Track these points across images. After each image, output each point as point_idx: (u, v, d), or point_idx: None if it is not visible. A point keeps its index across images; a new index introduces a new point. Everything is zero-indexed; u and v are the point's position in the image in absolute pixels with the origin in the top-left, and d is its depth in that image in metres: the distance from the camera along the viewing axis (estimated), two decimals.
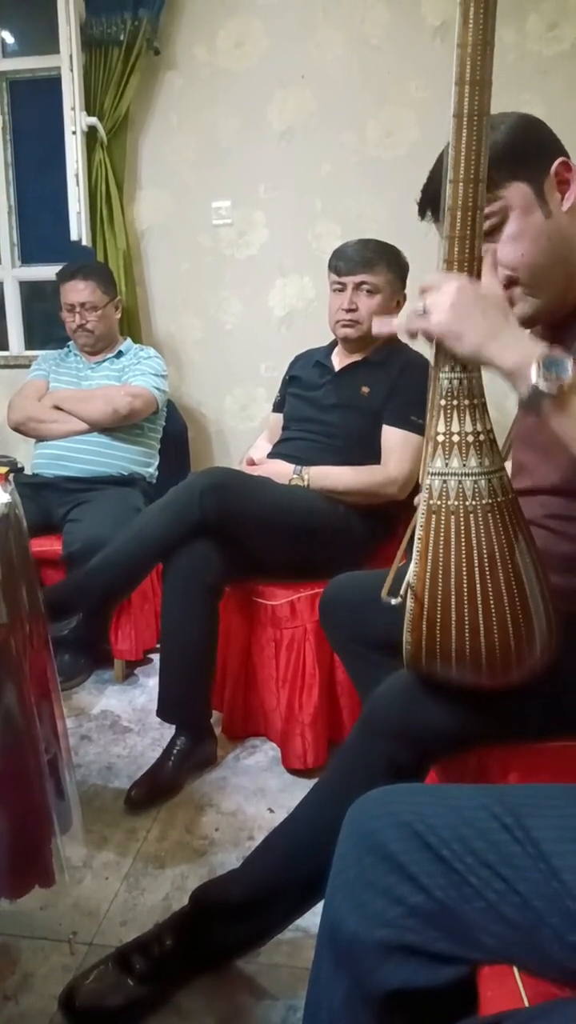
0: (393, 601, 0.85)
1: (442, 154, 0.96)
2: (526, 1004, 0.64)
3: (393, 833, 0.71)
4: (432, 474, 0.84)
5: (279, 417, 2.05)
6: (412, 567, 0.87)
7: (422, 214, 1.00)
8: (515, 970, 0.67)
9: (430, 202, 0.98)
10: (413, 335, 0.82)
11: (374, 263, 1.81)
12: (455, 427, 0.82)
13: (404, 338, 0.85)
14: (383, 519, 1.81)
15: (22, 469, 2.45)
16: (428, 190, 0.98)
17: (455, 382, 0.82)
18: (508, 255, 0.92)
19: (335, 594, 1.37)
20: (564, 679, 0.90)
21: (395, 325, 0.83)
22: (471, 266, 0.80)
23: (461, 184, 0.78)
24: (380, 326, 0.85)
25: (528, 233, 0.91)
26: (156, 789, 1.59)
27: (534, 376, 0.73)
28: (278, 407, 2.09)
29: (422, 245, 1.05)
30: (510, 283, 0.94)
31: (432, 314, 0.79)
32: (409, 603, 0.88)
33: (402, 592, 0.86)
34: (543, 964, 0.66)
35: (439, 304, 0.78)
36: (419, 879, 0.68)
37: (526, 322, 0.99)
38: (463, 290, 0.78)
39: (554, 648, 0.87)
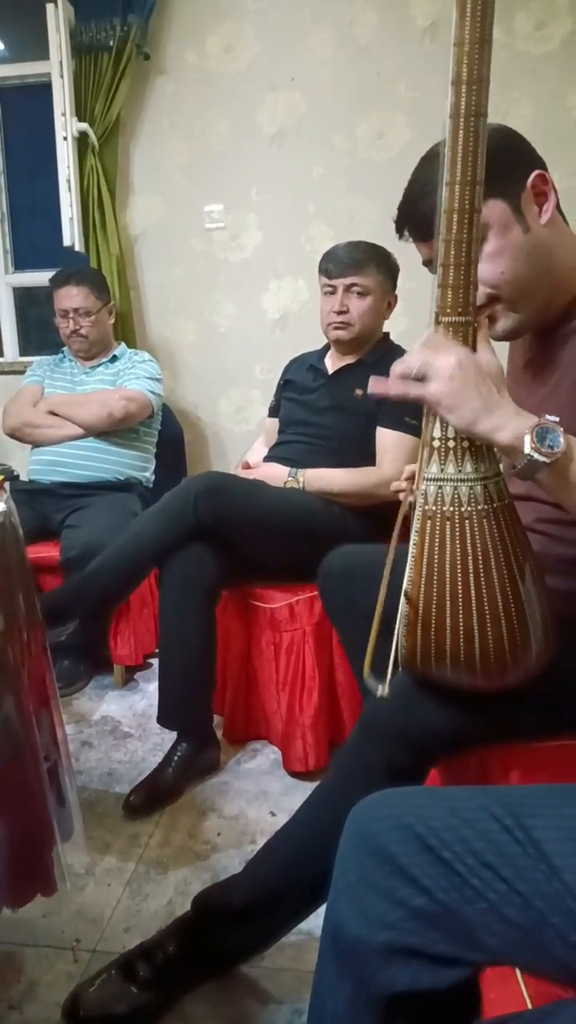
0: (379, 692, 0.80)
1: (417, 170, 0.96)
2: (529, 1005, 0.64)
3: (394, 836, 0.71)
4: (428, 479, 0.84)
5: (275, 422, 2.05)
6: (408, 572, 0.87)
7: (400, 232, 0.99)
8: (517, 971, 0.67)
9: (407, 220, 0.98)
10: (408, 398, 0.81)
11: (364, 265, 1.81)
12: (451, 432, 0.82)
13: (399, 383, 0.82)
14: (379, 520, 1.81)
15: (18, 476, 2.45)
16: (405, 208, 0.97)
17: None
18: (488, 274, 0.92)
19: (335, 563, 1.39)
20: (561, 680, 0.91)
21: (392, 388, 0.81)
22: (467, 270, 0.78)
23: (458, 186, 0.76)
24: (375, 387, 0.84)
25: (507, 251, 0.91)
26: (156, 795, 1.59)
27: (527, 448, 0.73)
28: (273, 412, 2.09)
29: (414, 247, 1.05)
30: (491, 300, 0.94)
31: (430, 384, 0.77)
32: (404, 607, 0.87)
33: (389, 677, 0.81)
34: (545, 964, 0.66)
35: (438, 374, 0.77)
36: (421, 881, 0.68)
37: (509, 335, 0.99)
38: (464, 365, 0.76)
39: (550, 650, 0.87)
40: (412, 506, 0.89)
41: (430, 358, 0.78)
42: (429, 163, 0.93)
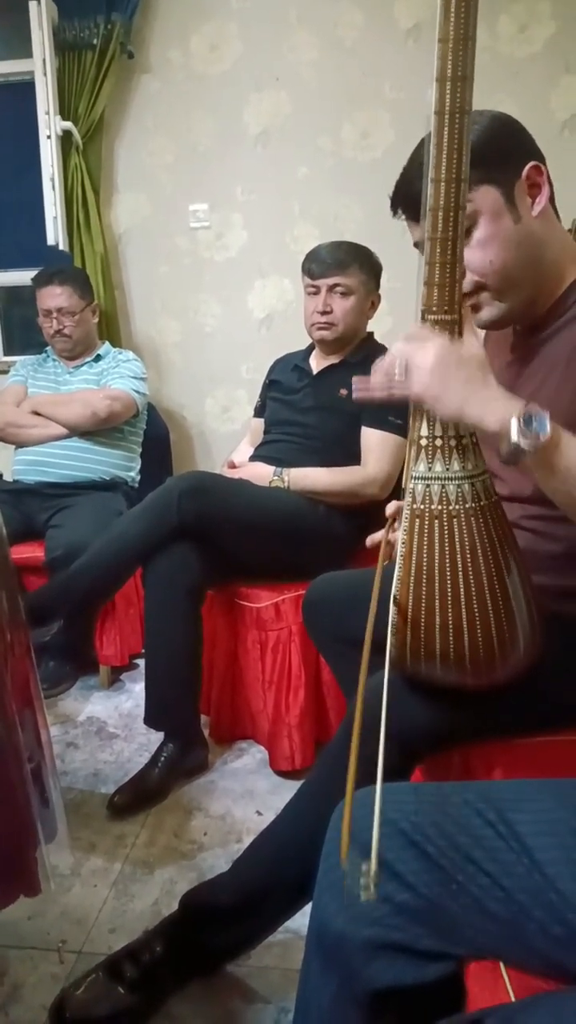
0: (363, 896, 0.54)
1: (416, 151, 0.95)
2: (512, 998, 0.64)
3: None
4: (415, 478, 0.84)
5: (260, 421, 2.05)
6: (396, 571, 0.87)
7: (394, 211, 0.99)
8: (501, 965, 0.67)
9: (403, 199, 0.97)
10: (393, 398, 0.81)
11: (347, 265, 1.81)
12: (438, 430, 0.82)
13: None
14: (364, 519, 1.82)
15: (1, 476, 2.43)
16: (401, 187, 0.97)
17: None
18: (477, 261, 0.92)
19: (317, 595, 1.37)
20: (547, 677, 0.91)
21: (375, 387, 0.81)
22: (453, 268, 0.78)
23: (443, 183, 0.76)
24: (359, 389, 0.84)
25: (497, 239, 0.91)
26: (141, 796, 1.59)
27: (514, 434, 0.73)
28: (259, 411, 2.09)
29: (399, 246, 1.06)
30: (478, 288, 0.95)
31: (412, 377, 0.78)
32: (393, 613, 0.88)
33: (373, 869, 0.55)
34: (529, 958, 0.66)
35: (419, 367, 0.77)
36: (405, 877, 0.69)
37: (493, 325, 0.99)
38: (443, 354, 0.77)
39: (537, 647, 0.88)
40: (393, 546, 0.88)
41: (410, 353, 0.78)
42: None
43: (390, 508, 1.04)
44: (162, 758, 1.64)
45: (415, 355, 0.78)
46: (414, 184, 0.93)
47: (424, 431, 0.83)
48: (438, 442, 0.82)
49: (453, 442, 0.82)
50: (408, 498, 0.85)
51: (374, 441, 1.79)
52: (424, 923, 0.68)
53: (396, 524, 0.90)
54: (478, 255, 0.92)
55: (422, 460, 0.83)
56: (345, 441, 1.82)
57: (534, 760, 1.00)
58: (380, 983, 0.68)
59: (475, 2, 0.72)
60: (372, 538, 1.02)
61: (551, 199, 0.95)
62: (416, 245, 0.99)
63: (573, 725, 1.00)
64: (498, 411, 0.75)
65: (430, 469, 0.83)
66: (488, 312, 0.96)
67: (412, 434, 0.85)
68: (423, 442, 0.83)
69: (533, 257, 0.93)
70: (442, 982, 0.68)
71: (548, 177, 0.94)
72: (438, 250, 0.77)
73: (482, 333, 1.09)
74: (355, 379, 0.85)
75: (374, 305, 1.90)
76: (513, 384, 1.04)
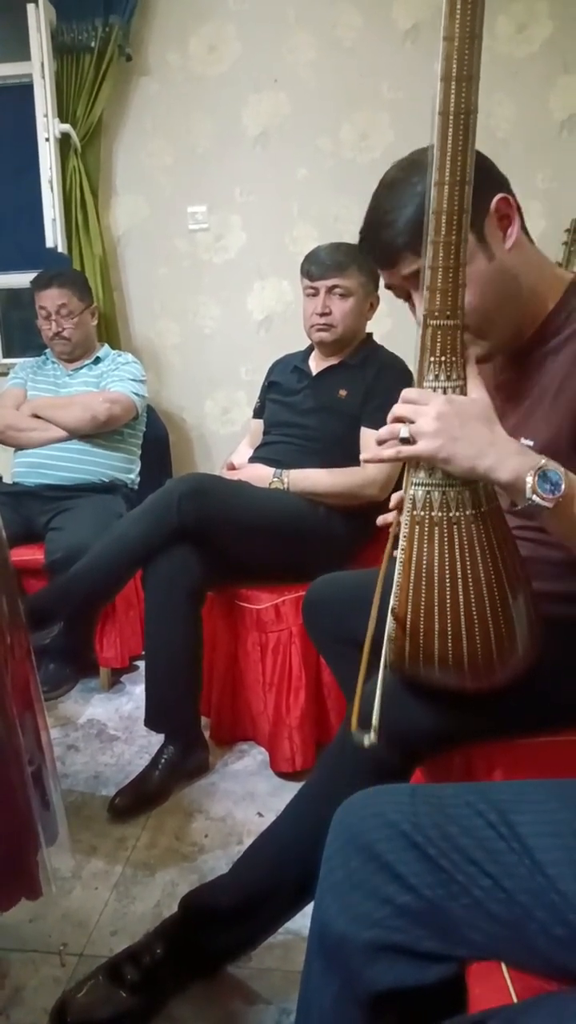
0: (365, 740, 0.74)
1: (377, 200, 0.93)
2: (514, 999, 0.64)
3: (380, 833, 0.71)
4: (415, 484, 0.83)
5: (260, 423, 2.06)
6: (396, 578, 0.87)
7: (363, 255, 0.96)
8: (503, 966, 0.67)
9: (369, 248, 0.95)
10: (400, 459, 0.81)
11: (345, 266, 1.81)
12: None
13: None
14: (364, 520, 1.81)
15: (1, 478, 2.44)
16: (368, 236, 0.94)
17: (439, 391, 0.81)
18: None
19: (317, 596, 1.37)
20: (548, 678, 0.91)
21: (384, 454, 0.80)
22: (456, 272, 0.77)
23: (447, 187, 0.74)
24: (368, 456, 0.83)
25: (473, 281, 0.86)
26: (141, 798, 1.59)
27: (529, 491, 0.73)
28: (258, 413, 2.09)
29: None
30: None
31: (418, 441, 0.77)
32: (391, 624, 0.87)
33: (374, 724, 0.75)
34: (530, 959, 0.66)
35: (423, 431, 0.76)
36: (406, 879, 0.69)
37: (480, 361, 0.98)
38: (445, 416, 0.76)
39: (536, 651, 0.88)
40: (397, 538, 0.88)
41: (411, 417, 0.78)
42: (390, 190, 0.91)
43: (395, 499, 1.03)
44: (163, 760, 1.64)
45: (416, 419, 0.77)
46: (380, 234, 0.92)
47: None
48: None
49: None
50: (408, 504, 0.85)
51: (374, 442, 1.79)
52: (426, 924, 0.68)
53: (401, 513, 0.89)
54: None
55: (422, 466, 0.83)
56: (345, 442, 1.81)
57: (535, 761, 1.00)
58: (381, 985, 0.68)
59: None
60: (383, 518, 1.01)
61: (523, 226, 0.92)
62: (388, 287, 0.98)
63: (574, 725, 0.99)
64: (512, 467, 0.75)
65: (430, 475, 0.82)
66: (472, 351, 0.94)
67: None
68: None
69: (511, 291, 0.91)
70: (444, 983, 0.68)
71: (517, 205, 0.91)
72: (441, 254, 0.76)
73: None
74: (363, 457, 0.84)
75: (373, 306, 1.90)
76: (501, 410, 1.03)
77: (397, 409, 0.80)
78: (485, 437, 0.76)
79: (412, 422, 0.79)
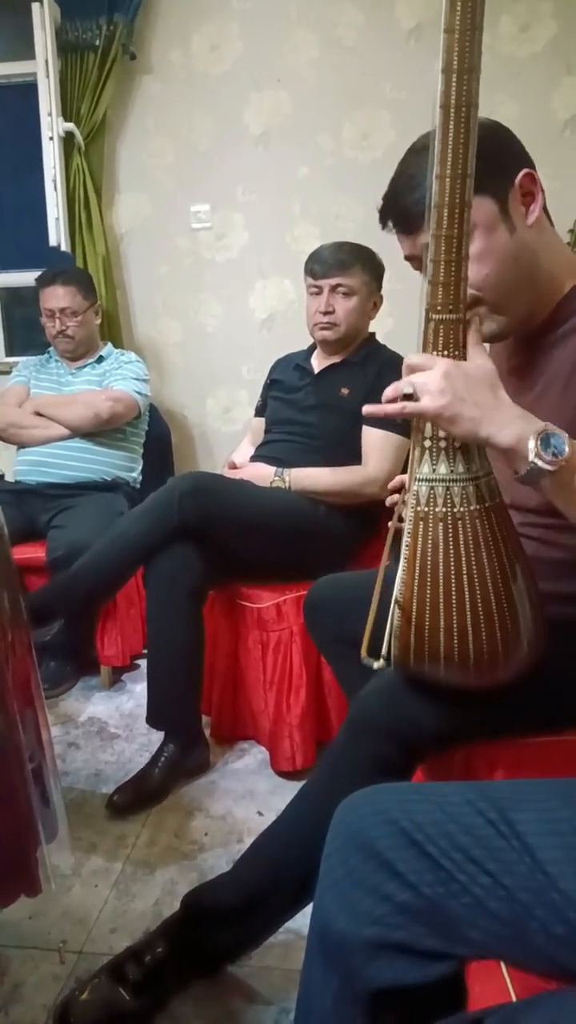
0: (375, 665, 0.82)
1: (403, 163, 0.94)
2: (513, 998, 0.64)
3: (380, 831, 0.71)
4: (420, 480, 0.83)
5: (261, 421, 2.06)
6: (400, 573, 0.87)
7: (383, 223, 0.97)
8: (502, 965, 0.67)
9: (392, 213, 0.95)
10: (407, 420, 0.81)
11: (349, 265, 1.82)
12: (441, 432, 0.81)
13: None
14: (365, 519, 1.82)
15: (3, 476, 2.44)
16: (390, 200, 0.95)
17: None
18: (472, 275, 0.89)
19: (319, 596, 1.37)
20: (550, 677, 0.91)
21: (389, 411, 0.80)
22: (458, 266, 0.77)
23: (448, 180, 0.73)
24: (372, 410, 0.82)
25: (493, 252, 0.89)
26: (141, 795, 1.59)
27: (531, 455, 0.72)
28: (260, 411, 2.09)
29: (398, 244, 1.05)
30: (475, 302, 0.94)
31: (422, 397, 0.77)
32: (396, 613, 0.87)
33: (383, 653, 0.82)
34: (530, 957, 0.66)
35: (428, 388, 0.76)
36: (406, 876, 0.69)
37: (493, 338, 0.97)
38: (450, 374, 0.76)
39: (541, 648, 0.88)
40: (401, 519, 0.88)
41: (416, 378, 0.77)
42: (417, 155, 0.91)
43: (396, 480, 1.03)
44: (162, 758, 1.64)
45: (420, 379, 0.77)
46: (403, 197, 0.92)
47: (428, 432, 0.82)
48: (442, 444, 0.82)
49: (457, 443, 0.81)
50: (412, 500, 0.84)
51: (375, 440, 1.79)
52: (425, 923, 0.68)
53: (405, 493, 0.89)
54: (474, 269, 0.90)
55: (426, 462, 0.83)
56: (346, 440, 1.82)
57: (536, 760, 1.00)
58: (381, 983, 0.68)
59: None
60: (392, 498, 1.01)
61: (544, 206, 0.93)
62: (407, 258, 0.98)
63: (575, 725, 0.99)
64: (514, 430, 0.74)
65: (434, 471, 0.82)
66: (487, 326, 0.94)
67: (416, 436, 0.84)
68: (427, 444, 0.82)
69: (529, 268, 0.91)
70: (443, 982, 0.68)
71: (540, 184, 0.92)
72: (443, 247, 0.76)
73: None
74: (365, 408, 0.83)
75: (376, 306, 1.90)
76: (514, 394, 1.03)
77: (404, 370, 0.80)
78: (489, 401, 0.76)
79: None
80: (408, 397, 0.78)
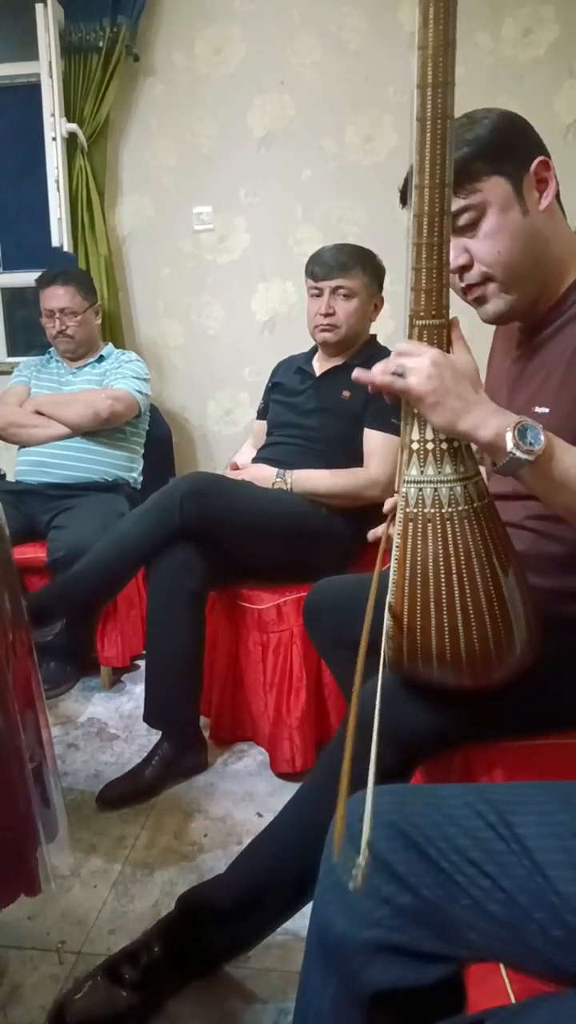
0: (350, 885, 0.58)
1: None
2: (512, 1000, 0.64)
3: (379, 833, 0.71)
4: (408, 482, 0.84)
5: (263, 424, 2.06)
6: (392, 575, 0.87)
7: (404, 202, 0.98)
8: (502, 967, 0.67)
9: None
10: (392, 395, 0.82)
11: (350, 267, 1.82)
12: (429, 434, 0.82)
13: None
14: (366, 521, 1.80)
15: (4, 476, 2.44)
16: (410, 179, 0.98)
17: None
18: (485, 252, 0.93)
19: (318, 599, 1.37)
20: (548, 677, 0.91)
21: (377, 380, 0.81)
22: (439, 272, 0.79)
23: (427, 190, 0.76)
24: (360, 375, 0.84)
25: (506, 230, 0.92)
26: (131, 791, 1.60)
27: (510, 446, 0.75)
28: (262, 414, 2.10)
29: (402, 248, 1.05)
30: (485, 279, 0.95)
31: (411, 378, 0.78)
32: (388, 620, 0.88)
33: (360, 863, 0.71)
34: (529, 960, 0.66)
35: (417, 371, 0.78)
36: (406, 879, 0.69)
37: (499, 319, 1.00)
38: (439, 363, 0.78)
39: (535, 647, 0.88)
40: (391, 540, 0.89)
41: (407, 360, 0.79)
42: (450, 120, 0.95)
43: (388, 504, 1.04)
44: (157, 756, 1.65)
45: (410, 363, 0.79)
46: None
47: (415, 435, 0.83)
48: (429, 446, 0.83)
49: (444, 445, 0.82)
50: (401, 502, 0.85)
51: (377, 443, 1.79)
52: (425, 925, 0.68)
53: (395, 520, 0.90)
54: (487, 246, 0.92)
55: (414, 464, 0.84)
56: (348, 443, 1.82)
57: (535, 762, 1.00)
58: (380, 985, 0.68)
59: (454, 9, 0.73)
60: (373, 532, 1.03)
61: (557, 195, 0.96)
62: None
63: (574, 727, 0.99)
64: (493, 424, 0.77)
65: (422, 473, 0.83)
66: (494, 304, 0.97)
67: (404, 438, 0.85)
68: (415, 446, 0.84)
69: (539, 251, 0.94)
70: (442, 984, 0.68)
71: (555, 173, 0.95)
72: (424, 255, 0.78)
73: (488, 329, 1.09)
74: (356, 370, 0.85)
75: (377, 308, 1.91)
76: (516, 383, 1.04)
77: (394, 355, 0.81)
78: (471, 395, 0.79)
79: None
80: (397, 374, 0.80)
